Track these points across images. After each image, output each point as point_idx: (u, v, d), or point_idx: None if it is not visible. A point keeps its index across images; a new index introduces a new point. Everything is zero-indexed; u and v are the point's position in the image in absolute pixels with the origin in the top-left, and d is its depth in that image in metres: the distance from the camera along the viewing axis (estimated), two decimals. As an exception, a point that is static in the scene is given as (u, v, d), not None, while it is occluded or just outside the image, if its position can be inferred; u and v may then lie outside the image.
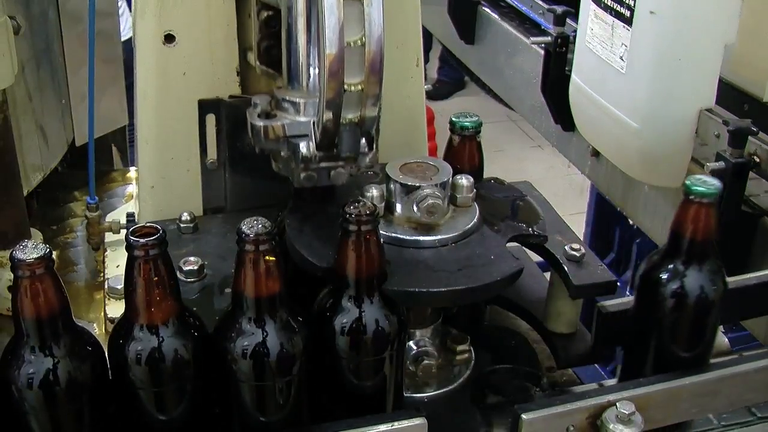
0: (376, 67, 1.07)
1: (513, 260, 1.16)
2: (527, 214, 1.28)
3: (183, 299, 1.00)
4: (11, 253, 0.89)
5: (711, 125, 1.52)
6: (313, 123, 1.15)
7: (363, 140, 1.15)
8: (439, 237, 1.17)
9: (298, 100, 1.18)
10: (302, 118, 1.17)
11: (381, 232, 1.07)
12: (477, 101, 5.64)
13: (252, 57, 1.33)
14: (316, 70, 1.17)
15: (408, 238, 1.17)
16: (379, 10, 1.05)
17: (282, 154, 1.20)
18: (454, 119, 1.35)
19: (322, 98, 1.07)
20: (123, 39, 2.12)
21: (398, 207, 1.19)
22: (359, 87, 1.08)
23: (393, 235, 1.16)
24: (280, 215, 1.25)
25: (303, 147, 1.16)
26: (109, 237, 1.67)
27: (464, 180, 1.22)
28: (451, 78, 5.99)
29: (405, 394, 1.17)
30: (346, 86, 1.07)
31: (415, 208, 1.17)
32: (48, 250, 0.90)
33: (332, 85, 1.05)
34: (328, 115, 1.08)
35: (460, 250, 1.17)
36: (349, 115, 1.11)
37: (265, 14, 1.26)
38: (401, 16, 1.41)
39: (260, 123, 1.18)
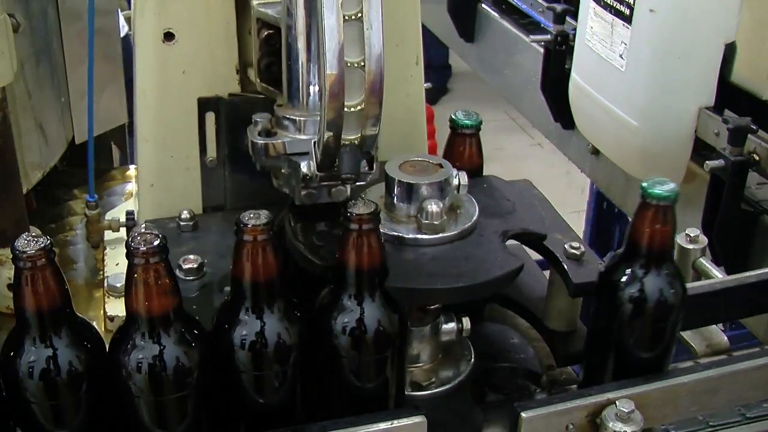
0: (376, 88, 1.07)
1: (512, 258, 1.16)
2: (527, 213, 1.27)
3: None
4: (12, 244, 0.90)
5: (710, 123, 1.52)
6: (314, 143, 1.15)
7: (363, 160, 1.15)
8: (438, 235, 1.17)
9: (298, 118, 1.19)
10: (303, 136, 1.19)
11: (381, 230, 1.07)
12: (465, 105, 5.63)
13: (252, 74, 1.33)
14: (317, 88, 1.17)
15: (408, 236, 1.17)
16: (378, 31, 1.05)
17: (283, 171, 1.21)
18: (454, 117, 1.35)
19: (323, 119, 1.07)
20: (121, 35, 2.11)
21: (398, 205, 1.19)
22: (359, 108, 1.09)
23: (393, 233, 1.16)
24: (280, 213, 1.25)
25: (304, 166, 1.17)
26: (108, 235, 1.67)
27: (434, 205, 1.17)
28: (434, 82, 5.97)
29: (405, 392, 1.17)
30: (346, 107, 1.07)
31: (414, 206, 1.17)
32: (49, 241, 0.91)
33: (333, 106, 1.06)
34: (329, 136, 1.08)
35: (460, 247, 1.17)
36: (350, 136, 1.11)
37: (265, 32, 1.26)
38: (401, 14, 1.41)
39: (261, 141, 1.19)
